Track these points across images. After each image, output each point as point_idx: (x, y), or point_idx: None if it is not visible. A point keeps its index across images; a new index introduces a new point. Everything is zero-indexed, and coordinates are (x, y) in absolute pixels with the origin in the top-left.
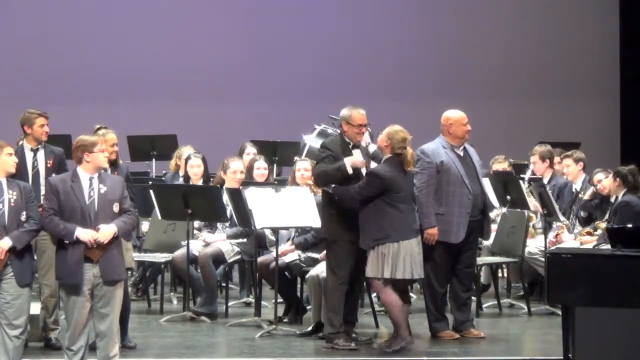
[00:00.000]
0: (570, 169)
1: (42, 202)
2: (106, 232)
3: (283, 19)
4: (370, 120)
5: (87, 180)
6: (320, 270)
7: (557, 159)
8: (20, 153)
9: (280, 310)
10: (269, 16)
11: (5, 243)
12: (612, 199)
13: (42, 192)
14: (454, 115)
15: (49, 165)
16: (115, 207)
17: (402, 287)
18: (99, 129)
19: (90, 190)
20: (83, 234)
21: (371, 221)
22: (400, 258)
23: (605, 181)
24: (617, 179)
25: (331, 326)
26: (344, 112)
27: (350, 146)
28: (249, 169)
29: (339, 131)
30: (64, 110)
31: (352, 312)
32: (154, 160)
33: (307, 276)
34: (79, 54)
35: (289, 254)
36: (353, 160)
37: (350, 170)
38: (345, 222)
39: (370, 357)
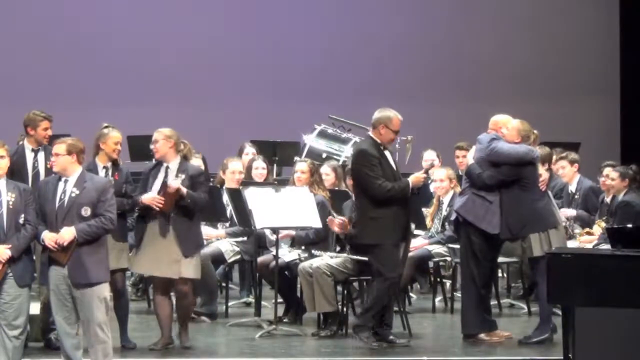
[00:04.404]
0: (566, 171)
1: None
2: (63, 234)
3: (283, 19)
4: (368, 120)
5: (62, 183)
6: (312, 262)
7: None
8: (20, 153)
9: (280, 310)
10: (269, 16)
11: (5, 253)
12: (608, 198)
13: None
14: (506, 117)
15: (49, 166)
16: (85, 211)
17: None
18: (105, 127)
19: (62, 193)
20: (46, 236)
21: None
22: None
23: (612, 174)
24: (626, 179)
25: (364, 319)
26: None
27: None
28: (248, 169)
29: (339, 131)
30: (64, 111)
31: (388, 315)
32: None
33: (299, 267)
34: (78, 54)
35: (288, 254)
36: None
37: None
38: (385, 225)
39: (371, 357)
